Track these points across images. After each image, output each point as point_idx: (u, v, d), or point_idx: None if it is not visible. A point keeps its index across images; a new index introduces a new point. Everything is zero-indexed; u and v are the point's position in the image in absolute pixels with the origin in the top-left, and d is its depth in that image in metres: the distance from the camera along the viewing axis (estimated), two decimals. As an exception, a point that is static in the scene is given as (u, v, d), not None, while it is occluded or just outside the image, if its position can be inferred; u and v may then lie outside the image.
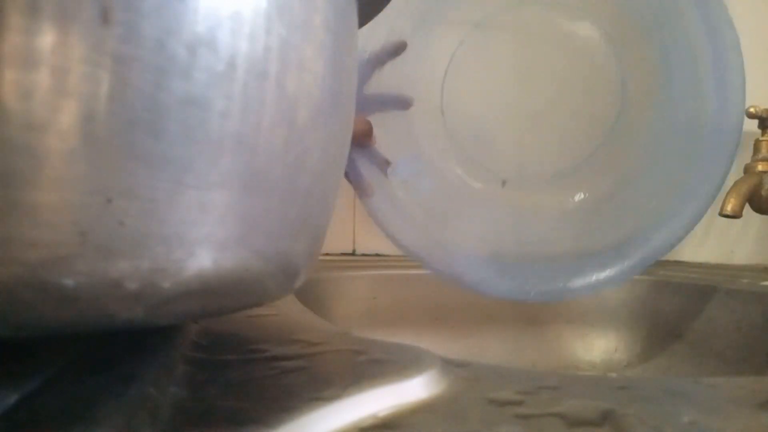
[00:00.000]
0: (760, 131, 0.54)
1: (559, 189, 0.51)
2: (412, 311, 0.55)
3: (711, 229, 0.67)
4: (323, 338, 0.19)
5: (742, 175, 0.53)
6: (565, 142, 0.52)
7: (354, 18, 0.18)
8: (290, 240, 0.15)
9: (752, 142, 0.54)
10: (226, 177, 0.12)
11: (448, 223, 0.50)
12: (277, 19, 0.13)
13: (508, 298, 0.43)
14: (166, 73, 0.11)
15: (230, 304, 0.15)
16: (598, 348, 0.53)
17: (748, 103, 0.42)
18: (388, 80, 0.48)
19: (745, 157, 0.54)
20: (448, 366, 0.15)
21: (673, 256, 0.78)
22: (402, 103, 0.50)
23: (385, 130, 0.48)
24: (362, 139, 0.47)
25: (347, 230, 0.76)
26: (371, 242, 0.74)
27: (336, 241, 0.76)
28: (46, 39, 0.09)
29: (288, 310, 0.25)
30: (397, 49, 0.48)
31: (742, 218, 0.49)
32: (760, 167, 0.53)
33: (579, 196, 0.50)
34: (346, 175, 0.47)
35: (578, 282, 0.41)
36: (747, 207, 0.50)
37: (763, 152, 0.53)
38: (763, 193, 0.51)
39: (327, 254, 0.72)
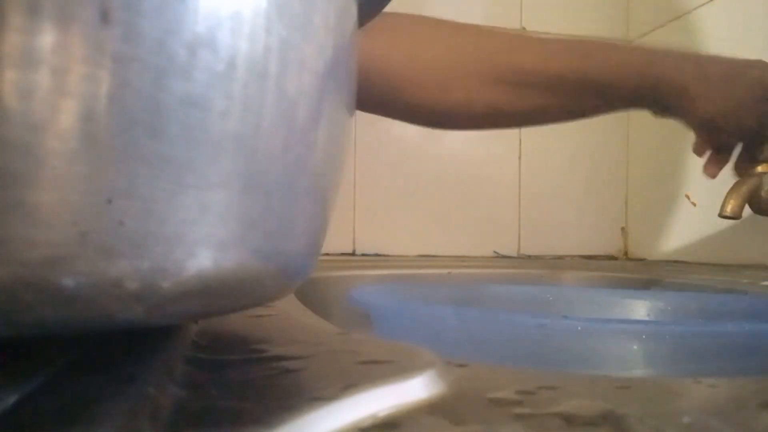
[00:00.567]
0: (760, 131, 0.54)
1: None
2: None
3: (711, 230, 0.67)
4: (323, 338, 0.19)
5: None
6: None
7: (354, 18, 0.18)
8: (290, 240, 0.15)
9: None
10: (226, 177, 0.12)
11: None
12: (277, 19, 0.13)
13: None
14: (166, 73, 0.11)
15: (230, 304, 0.15)
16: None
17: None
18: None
19: (745, 157, 0.54)
20: (448, 366, 0.15)
21: (673, 256, 0.78)
22: None
23: None
24: None
25: (347, 230, 0.76)
26: (371, 242, 0.74)
27: (336, 241, 0.76)
28: (46, 39, 0.09)
29: (288, 310, 0.25)
30: None
31: (741, 219, 0.49)
32: (759, 168, 0.53)
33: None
34: None
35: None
36: (747, 208, 0.50)
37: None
38: (763, 194, 0.51)
39: (327, 254, 0.72)
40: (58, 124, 0.09)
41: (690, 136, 0.52)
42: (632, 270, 0.66)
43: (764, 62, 0.47)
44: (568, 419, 0.12)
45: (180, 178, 0.11)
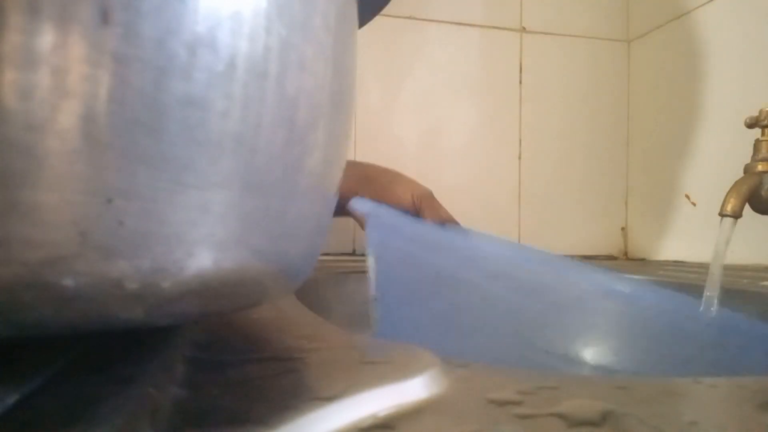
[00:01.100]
0: (760, 131, 0.54)
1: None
2: (412, 311, 0.55)
3: (711, 230, 0.67)
4: (323, 338, 0.19)
5: (742, 175, 0.53)
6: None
7: (354, 18, 0.18)
8: (290, 240, 0.15)
9: (752, 142, 0.54)
10: (226, 177, 0.12)
11: None
12: (277, 19, 0.13)
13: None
14: (166, 73, 0.11)
15: (230, 304, 0.15)
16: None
17: (747, 103, 0.42)
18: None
19: (745, 157, 0.54)
20: (448, 366, 0.15)
21: (673, 256, 0.78)
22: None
23: None
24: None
25: (347, 230, 0.76)
26: (371, 242, 0.74)
27: (336, 241, 0.76)
28: (46, 39, 0.09)
29: (288, 310, 0.25)
30: None
31: (742, 218, 0.49)
32: (759, 167, 0.53)
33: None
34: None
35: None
36: (747, 207, 0.50)
37: (763, 152, 0.53)
38: (763, 193, 0.51)
39: (327, 254, 0.72)
40: (58, 124, 0.09)
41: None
42: (632, 270, 0.66)
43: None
44: (568, 419, 0.12)
45: (180, 178, 0.11)
